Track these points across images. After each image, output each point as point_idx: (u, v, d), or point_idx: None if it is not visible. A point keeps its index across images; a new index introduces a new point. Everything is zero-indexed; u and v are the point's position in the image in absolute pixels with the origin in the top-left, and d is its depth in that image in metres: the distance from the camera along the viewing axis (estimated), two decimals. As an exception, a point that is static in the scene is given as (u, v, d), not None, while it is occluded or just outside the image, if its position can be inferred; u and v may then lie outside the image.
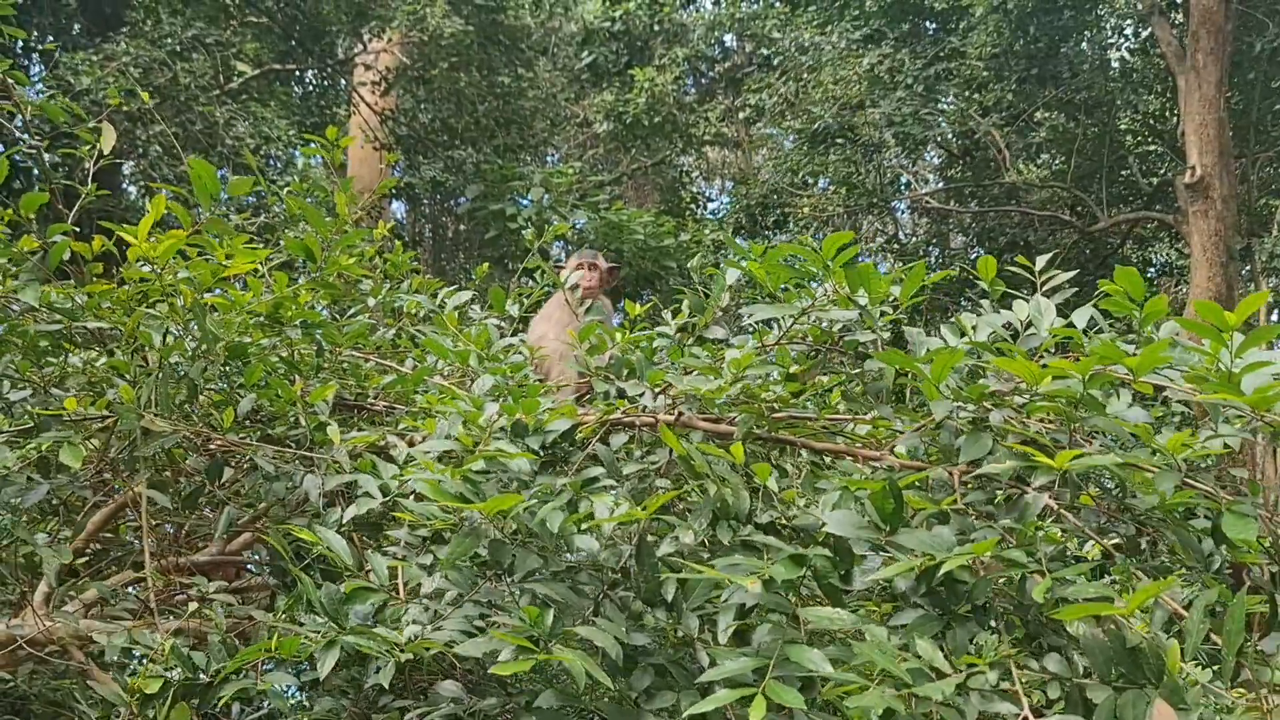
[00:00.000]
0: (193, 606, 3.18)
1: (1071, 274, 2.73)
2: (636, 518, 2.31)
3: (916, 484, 2.34)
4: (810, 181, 16.14)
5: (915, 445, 2.52)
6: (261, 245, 3.52)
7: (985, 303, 2.73)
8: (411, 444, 3.11)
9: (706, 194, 21.21)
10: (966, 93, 14.12)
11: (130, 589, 3.63)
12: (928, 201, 15.91)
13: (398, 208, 17.02)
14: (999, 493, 2.35)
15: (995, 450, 2.27)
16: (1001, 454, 2.25)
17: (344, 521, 2.76)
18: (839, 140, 14.73)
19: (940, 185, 16.82)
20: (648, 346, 3.20)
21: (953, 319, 2.69)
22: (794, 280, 2.82)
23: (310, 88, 15.06)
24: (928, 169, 17.79)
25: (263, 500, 3.29)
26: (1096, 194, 14.33)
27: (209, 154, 10.42)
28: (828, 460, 2.86)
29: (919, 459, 2.52)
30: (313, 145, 4.44)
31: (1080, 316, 2.52)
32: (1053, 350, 2.55)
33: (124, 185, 11.28)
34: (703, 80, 18.70)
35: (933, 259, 16.90)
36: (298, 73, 14.28)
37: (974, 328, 2.57)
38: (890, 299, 2.76)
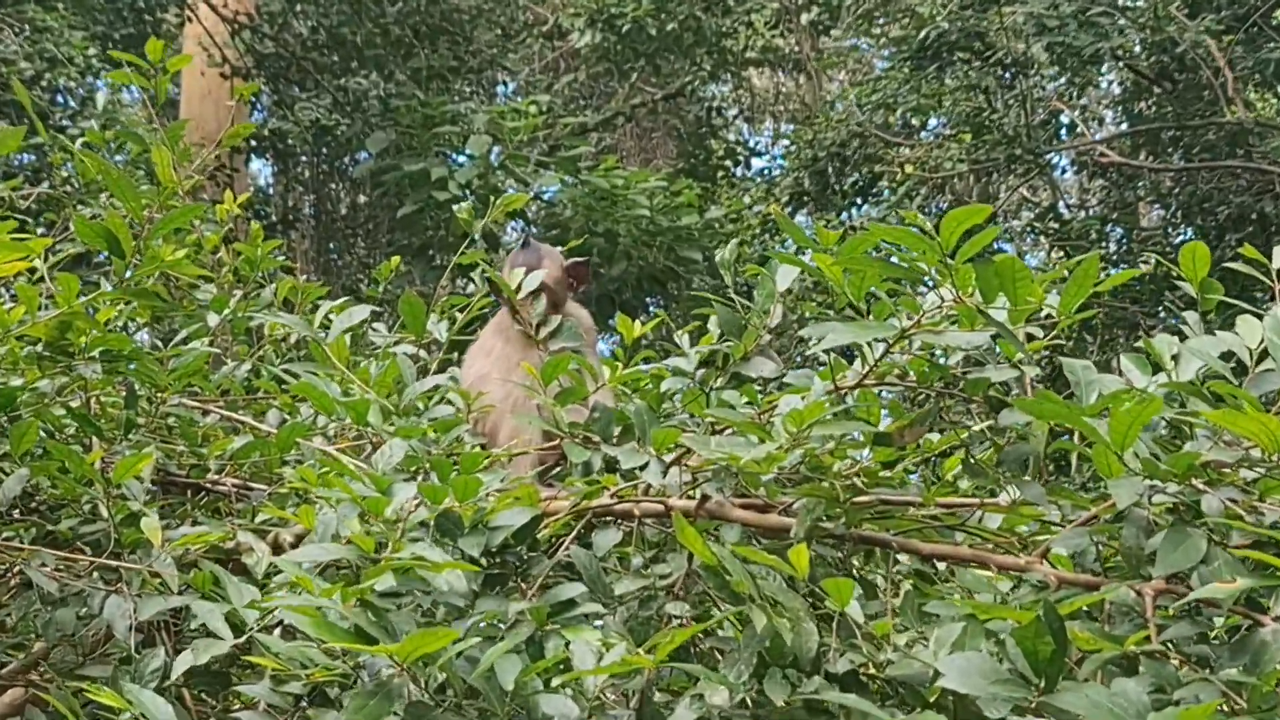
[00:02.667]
0: (-74, 811, 3.17)
1: None
2: (638, 666, 2.30)
3: (1085, 610, 2.33)
4: (914, 123, 16.19)
5: (1082, 547, 2.52)
6: (41, 231, 3.54)
7: (1191, 316, 2.73)
8: (278, 545, 3.11)
9: (750, 143, 21.35)
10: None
11: None
12: (1103, 153, 15.97)
13: (259, 169, 17.11)
14: (1217, 622, 2.33)
15: (1212, 557, 2.26)
16: (1221, 563, 2.24)
17: (169, 676, 2.76)
18: (961, 56, 14.79)
19: (1123, 128, 16.88)
20: (653, 390, 3.20)
21: (1140, 342, 2.70)
22: (889, 284, 2.81)
23: (122, -19, 15.20)
24: (1103, 102, 17.87)
25: (41, 636, 3.28)
26: (1371, 140, 14.37)
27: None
28: (940, 569, 2.85)
29: (1088, 569, 2.50)
30: (124, 70, 4.46)
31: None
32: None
33: None
34: (744, -36, 18.85)
35: (1112, 245, 16.93)
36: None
37: (1174, 358, 2.56)
38: (1045, 313, 2.75)
